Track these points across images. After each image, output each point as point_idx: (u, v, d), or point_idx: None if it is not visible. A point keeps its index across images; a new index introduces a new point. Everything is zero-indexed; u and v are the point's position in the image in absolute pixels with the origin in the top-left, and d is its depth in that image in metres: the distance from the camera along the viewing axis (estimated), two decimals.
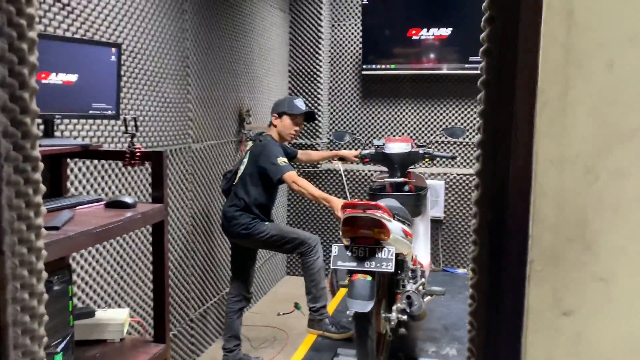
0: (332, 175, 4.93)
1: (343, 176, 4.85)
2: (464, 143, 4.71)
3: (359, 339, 2.35)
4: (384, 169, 3.44)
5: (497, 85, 0.95)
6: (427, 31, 4.60)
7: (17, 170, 1.22)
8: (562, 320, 0.93)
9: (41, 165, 1.27)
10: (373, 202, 2.40)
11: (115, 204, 1.92)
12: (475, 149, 1.03)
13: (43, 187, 1.29)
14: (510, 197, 0.94)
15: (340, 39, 5.00)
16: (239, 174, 3.26)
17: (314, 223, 5.07)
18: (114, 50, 2.06)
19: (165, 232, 2.01)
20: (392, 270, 2.31)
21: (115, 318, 2.08)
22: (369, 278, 2.32)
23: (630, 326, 0.91)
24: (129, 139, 1.98)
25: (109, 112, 2.08)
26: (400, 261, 2.51)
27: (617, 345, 0.92)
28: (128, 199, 1.92)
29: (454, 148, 4.72)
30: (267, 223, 3.24)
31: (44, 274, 1.33)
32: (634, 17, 0.85)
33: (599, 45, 0.87)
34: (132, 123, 2.00)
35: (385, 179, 3.24)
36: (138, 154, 1.99)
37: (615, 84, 0.87)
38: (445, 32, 4.56)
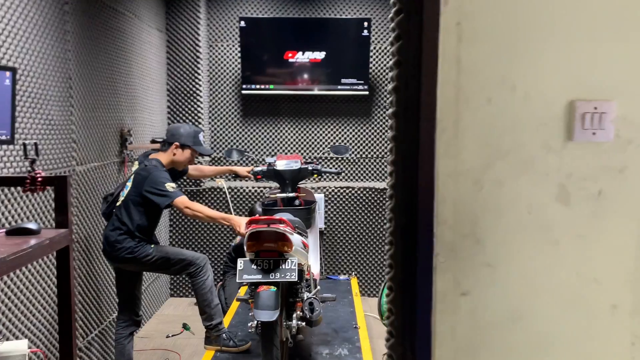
0: (215, 193, 4.99)
1: (227, 194, 4.94)
2: (345, 160, 5.06)
3: (265, 347, 2.48)
4: (274, 184, 3.61)
5: (404, 116, 1.18)
6: (303, 54, 4.90)
7: None
8: (461, 299, 1.19)
9: None
10: (277, 217, 2.56)
11: (17, 231, 1.86)
12: (387, 166, 1.25)
13: None
14: (419, 205, 1.17)
15: (219, 59, 5.11)
16: (122, 197, 3.14)
17: (197, 242, 5.08)
18: (8, 74, 2.00)
19: (70, 258, 1.99)
20: (296, 279, 2.48)
21: (15, 350, 1.99)
22: (274, 289, 2.46)
23: (511, 300, 1.18)
24: (29, 164, 1.94)
25: (4, 137, 2.00)
26: (299, 271, 2.69)
27: (502, 316, 1.19)
28: (32, 225, 1.87)
29: (337, 163, 5.06)
30: (152, 246, 3.17)
31: None
32: (503, 64, 1.14)
33: (480, 85, 1.14)
34: (33, 148, 1.96)
35: (278, 195, 3.41)
36: (39, 179, 1.95)
37: (492, 115, 1.15)
38: (319, 55, 4.89)
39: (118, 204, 3.13)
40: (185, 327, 4.24)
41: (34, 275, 2.59)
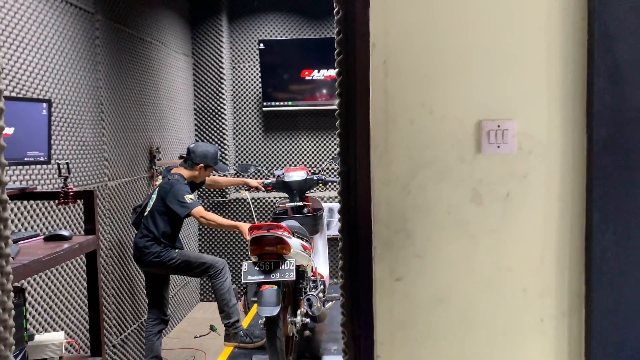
0: (240, 203, 5.34)
1: (250, 204, 5.28)
2: None
3: (270, 339, 2.77)
4: (286, 195, 3.92)
5: (347, 136, 1.46)
6: (318, 72, 5.22)
7: None
8: (396, 284, 1.45)
9: (8, 206, 1.62)
10: (275, 223, 2.86)
11: (53, 238, 2.22)
12: (338, 176, 1.53)
13: (10, 224, 1.63)
14: (359, 207, 1.44)
15: (241, 79, 5.49)
16: (148, 208, 3.54)
17: (223, 247, 5.43)
18: (44, 105, 2.38)
19: (98, 260, 2.34)
20: (294, 278, 2.77)
21: (53, 339, 2.34)
22: (275, 287, 2.76)
23: (436, 285, 1.44)
24: (62, 181, 2.30)
25: (42, 158, 2.38)
26: (301, 272, 2.97)
27: (429, 298, 1.45)
28: (65, 232, 2.23)
29: None
30: (176, 250, 3.55)
31: (12, 294, 1.66)
32: (422, 92, 1.41)
33: (404, 110, 1.41)
34: (65, 167, 2.33)
35: (287, 204, 3.72)
36: (71, 193, 2.31)
37: (415, 133, 1.42)
38: (334, 72, 5.18)
39: (145, 214, 3.51)
40: (212, 328, 4.58)
41: (70, 277, 2.97)
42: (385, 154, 1.43)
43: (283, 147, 5.50)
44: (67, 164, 2.33)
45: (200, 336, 4.52)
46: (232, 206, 5.35)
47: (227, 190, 5.31)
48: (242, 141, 5.54)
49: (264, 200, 5.32)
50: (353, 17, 1.40)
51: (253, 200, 5.31)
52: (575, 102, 1.37)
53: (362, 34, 1.39)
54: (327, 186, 4.40)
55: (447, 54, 1.39)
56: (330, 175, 5.17)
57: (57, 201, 2.31)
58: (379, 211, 1.44)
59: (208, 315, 5.08)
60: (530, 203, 1.41)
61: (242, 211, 5.35)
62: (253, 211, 5.29)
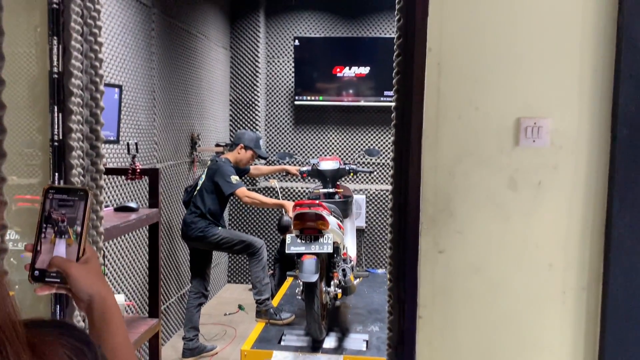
0: (269, 191, 5.60)
1: (279, 192, 5.54)
2: (381, 163, 5.56)
3: (308, 304, 3.05)
4: (319, 183, 4.19)
5: (401, 127, 1.70)
6: (349, 69, 5.45)
7: (93, 179, 1.83)
8: (438, 255, 1.69)
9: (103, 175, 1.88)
10: (317, 201, 3.15)
11: (122, 209, 2.49)
12: (392, 162, 1.77)
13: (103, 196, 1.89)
14: (410, 188, 1.68)
15: (275, 73, 5.74)
16: (198, 187, 3.87)
17: (250, 229, 5.70)
18: (117, 90, 2.66)
19: (159, 231, 2.60)
20: (331, 251, 3.05)
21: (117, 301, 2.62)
22: (315, 258, 3.04)
23: (474, 257, 1.67)
24: (130, 159, 2.56)
25: (112, 138, 2.65)
26: (335, 247, 3.25)
27: (467, 268, 1.68)
28: (133, 205, 2.50)
29: (373, 166, 5.58)
30: (219, 228, 3.86)
31: (102, 252, 1.92)
32: (469, 91, 1.63)
33: (453, 106, 1.64)
34: (134, 146, 2.59)
35: (320, 190, 4.01)
36: (138, 170, 2.58)
37: (462, 127, 1.65)
38: (364, 70, 5.43)
39: (195, 193, 3.81)
40: (240, 307, 4.85)
41: (130, 247, 3.25)
42: (434, 144, 1.66)
43: (312, 139, 5.75)
44: (136, 143, 2.60)
45: (229, 314, 4.80)
46: (261, 194, 5.60)
47: (257, 179, 5.57)
48: (273, 132, 5.80)
49: (291, 190, 5.57)
50: (413, 24, 1.63)
51: (281, 189, 5.57)
52: (602, 105, 1.59)
53: (420, 39, 1.62)
54: (357, 176, 4.66)
55: (492, 59, 1.62)
56: (360, 167, 5.43)
57: (125, 176, 2.58)
58: (427, 192, 1.68)
59: (236, 296, 5.36)
60: (559, 190, 1.63)
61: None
62: (281, 199, 5.54)
